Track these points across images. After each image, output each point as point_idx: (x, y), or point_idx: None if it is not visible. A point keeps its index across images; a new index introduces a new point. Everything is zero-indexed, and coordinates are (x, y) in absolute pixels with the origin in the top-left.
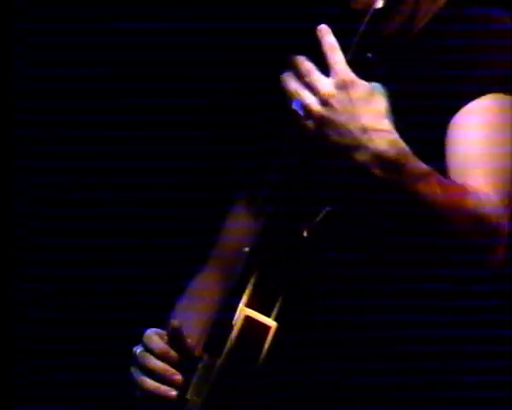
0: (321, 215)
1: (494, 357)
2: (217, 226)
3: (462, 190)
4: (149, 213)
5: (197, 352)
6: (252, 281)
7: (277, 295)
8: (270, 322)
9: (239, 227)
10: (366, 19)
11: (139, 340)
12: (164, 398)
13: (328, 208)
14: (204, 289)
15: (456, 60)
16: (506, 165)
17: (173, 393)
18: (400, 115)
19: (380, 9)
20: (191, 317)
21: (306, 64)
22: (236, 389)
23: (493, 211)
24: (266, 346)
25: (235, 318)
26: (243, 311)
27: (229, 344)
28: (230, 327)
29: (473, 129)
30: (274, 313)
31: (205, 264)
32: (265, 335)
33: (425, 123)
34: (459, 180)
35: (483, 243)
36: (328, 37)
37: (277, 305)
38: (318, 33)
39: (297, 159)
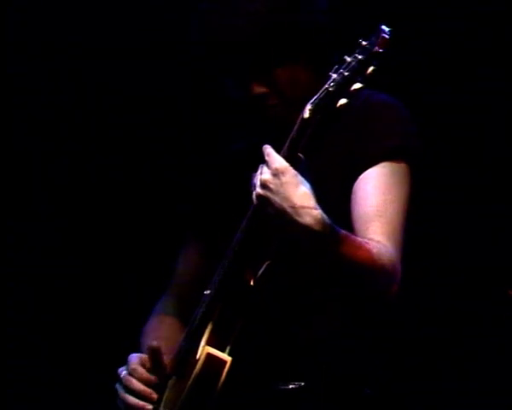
0: (263, 268)
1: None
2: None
3: (368, 246)
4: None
5: (167, 370)
6: (211, 321)
7: (232, 333)
8: (226, 357)
9: (191, 262)
10: (295, 126)
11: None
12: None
13: (268, 262)
14: (166, 314)
15: (353, 140)
16: (396, 219)
17: (150, 407)
18: (320, 189)
19: (306, 119)
20: (158, 340)
21: (266, 154)
22: (200, 407)
23: (390, 260)
24: (224, 375)
25: (198, 353)
26: (205, 349)
27: (194, 374)
28: (194, 358)
29: (368, 191)
30: (228, 348)
31: (165, 291)
32: (223, 367)
33: (337, 190)
34: (362, 231)
35: (383, 282)
36: (266, 148)
37: (231, 342)
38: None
39: (250, 224)
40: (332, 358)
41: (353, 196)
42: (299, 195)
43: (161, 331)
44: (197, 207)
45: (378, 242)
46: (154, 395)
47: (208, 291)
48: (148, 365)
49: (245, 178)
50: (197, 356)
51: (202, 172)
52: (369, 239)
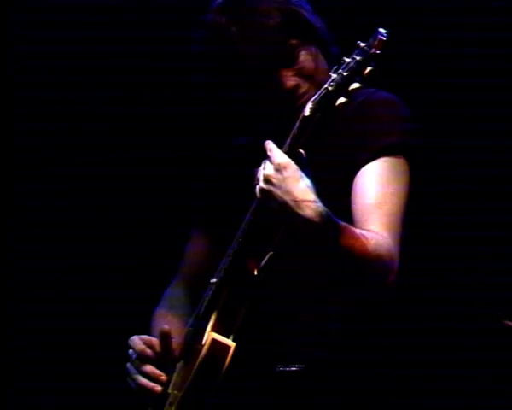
0: (266, 258)
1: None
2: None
3: (366, 237)
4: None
5: (176, 353)
6: (217, 309)
7: (236, 320)
8: (231, 343)
9: (198, 251)
10: (297, 124)
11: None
12: (151, 391)
13: (270, 253)
14: (176, 299)
15: (354, 137)
16: (395, 211)
17: (159, 388)
18: (321, 183)
19: (306, 117)
20: (168, 324)
21: (268, 150)
22: (205, 390)
23: (387, 250)
24: (228, 360)
25: (203, 339)
26: (210, 335)
27: (200, 358)
28: (200, 343)
29: (368, 185)
30: (232, 335)
31: (175, 275)
32: (227, 352)
33: (338, 184)
34: (362, 223)
35: (380, 272)
36: (268, 144)
37: (235, 328)
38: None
39: (254, 216)
40: (331, 343)
41: (353, 190)
42: (301, 189)
43: (171, 316)
44: (203, 199)
45: (377, 233)
46: (164, 377)
47: (214, 280)
48: (157, 347)
49: (248, 171)
50: (203, 342)
51: (208, 166)
52: (368, 230)
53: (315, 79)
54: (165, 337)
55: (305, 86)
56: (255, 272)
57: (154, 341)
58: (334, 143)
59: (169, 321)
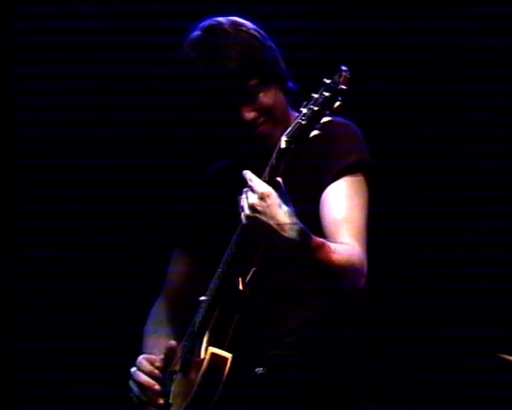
0: (250, 275)
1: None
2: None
3: (340, 249)
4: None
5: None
6: (210, 324)
7: (228, 331)
8: (228, 354)
9: (180, 272)
10: (274, 155)
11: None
12: (150, 401)
13: (254, 269)
14: (160, 321)
15: (318, 159)
16: (360, 223)
17: (156, 398)
18: (296, 204)
19: (283, 149)
20: (158, 342)
21: (249, 179)
22: (208, 398)
23: (358, 258)
24: (227, 370)
25: (202, 353)
26: (209, 349)
27: (202, 371)
28: (199, 357)
29: (335, 201)
30: (226, 344)
31: (158, 295)
32: (226, 363)
33: (311, 204)
34: (333, 236)
35: (354, 277)
36: (247, 174)
37: (228, 340)
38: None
39: (239, 239)
40: (310, 337)
41: (321, 208)
42: (283, 213)
43: (156, 337)
44: (184, 223)
45: (347, 243)
46: (157, 387)
47: (205, 298)
48: (156, 363)
49: (228, 192)
50: (201, 356)
51: (189, 189)
52: (340, 242)
53: (273, 114)
54: (170, 352)
55: (263, 120)
56: (241, 288)
57: (155, 358)
58: (303, 166)
59: (155, 341)
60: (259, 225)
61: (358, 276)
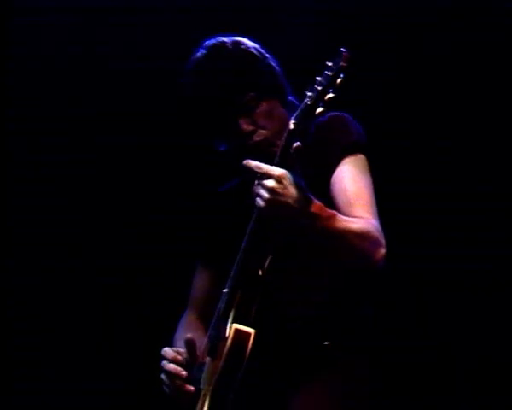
0: (267, 261)
1: None
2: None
3: (355, 219)
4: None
5: (201, 358)
6: (233, 308)
7: (251, 313)
8: (251, 330)
9: (203, 285)
10: (284, 136)
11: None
12: (180, 389)
13: (270, 256)
14: (189, 326)
15: (324, 147)
16: (371, 199)
17: (186, 386)
18: (309, 183)
19: (291, 130)
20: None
21: (256, 167)
22: (234, 373)
23: (375, 228)
24: (250, 345)
25: (226, 332)
26: (233, 326)
27: (226, 348)
28: (224, 336)
29: (344, 183)
30: (249, 324)
31: (185, 309)
32: (249, 338)
33: (319, 183)
34: (347, 214)
35: (373, 247)
36: (251, 163)
37: (251, 320)
38: (246, 165)
39: (255, 227)
40: (324, 319)
41: (333, 190)
42: (299, 191)
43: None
44: (203, 240)
45: (362, 217)
46: (184, 373)
47: (226, 289)
48: (183, 354)
49: (240, 209)
50: (226, 334)
51: (205, 210)
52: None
53: (270, 127)
54: (190, 344)
55: (260, 132)
56: (260, 273)
57: (182, 350)
58: (310, 155)
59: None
60: (279, 206)
61: (376, 244)
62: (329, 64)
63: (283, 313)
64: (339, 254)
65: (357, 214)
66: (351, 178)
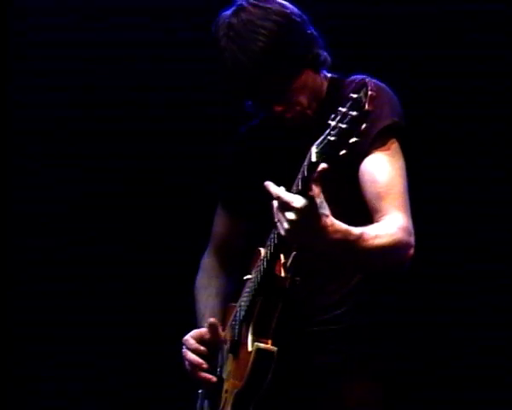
0: (290, 260)
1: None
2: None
3: (383, 229)
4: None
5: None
6: (255, 313)
7: (273, 319)
8: (273, 348)
9: (223, 225)
10: (304, 167)
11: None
12: (202, 379)
13: (294, 254)
14: (211, 268)
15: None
16: (402, 190)
17: (208, 376)
18: (331, 187)
19: (314, 163)
20: (207, 304)
21: (281, 198)
22: (257, 388)
23: (404, 229)
24: (273, 363)
25: (249, 346)
26: (255, 346)
27: (249, 366)
28: (246, 346)
29: (374, 173)
30: (271, 337)
31: (206, 248)
32: (272, 357)
33: (344, 185)
34: (376, 209)
35: (402, 253)
36: (271, 188)
37: (272, 330)
38: (266, 187)
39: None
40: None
41: (361, 180)
42: (321, 220)
43: (211, 288)
44: (224, 180)
45: (391, 217)
46: (205, 365)
47: (249, 276)
48: (206, 336)
49: (261, 149)
50: (249, 348)
51: (227, 149)
52: (383, 216)
53: (303, 103)
54: (213, 328)
55: (292, 111)
56: (283, 275)
57: (204, 332)
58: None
59: (210, 294)
60: (301, 236)
61: (406, 250)
62: (354, 97)
63: (306, 312)
64: (368, 270)
65: (386, 210)
66: (379, 169)
